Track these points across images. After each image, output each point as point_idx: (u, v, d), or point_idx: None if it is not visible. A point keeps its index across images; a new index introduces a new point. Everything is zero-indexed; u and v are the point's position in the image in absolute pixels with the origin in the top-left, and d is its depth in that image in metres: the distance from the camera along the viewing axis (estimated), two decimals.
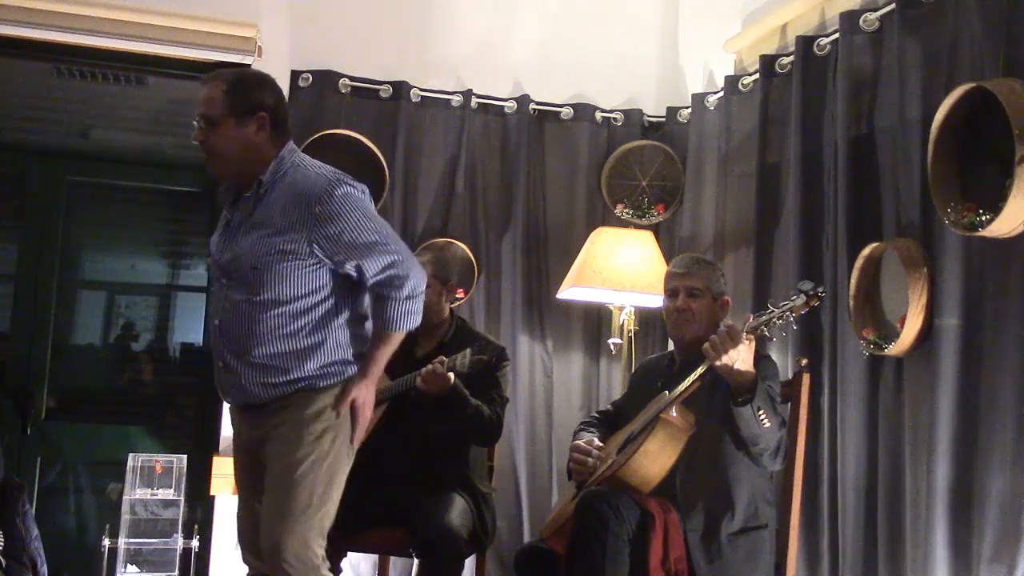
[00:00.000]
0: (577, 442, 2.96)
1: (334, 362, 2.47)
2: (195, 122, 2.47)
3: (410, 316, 2.48)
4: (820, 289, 2.56)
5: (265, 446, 2.48)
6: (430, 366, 3.05)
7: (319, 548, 2.42)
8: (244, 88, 2.46)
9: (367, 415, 2.52)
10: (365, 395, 2.50)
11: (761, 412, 2.54)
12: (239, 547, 2.66)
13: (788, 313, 2.56)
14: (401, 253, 2.46)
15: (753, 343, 2.57)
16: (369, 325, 2.56)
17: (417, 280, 2.47)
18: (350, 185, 2.44)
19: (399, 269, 2.44)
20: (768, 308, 2.61)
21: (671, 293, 2.92)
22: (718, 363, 2.55)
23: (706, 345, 2.59)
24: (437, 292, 3.30)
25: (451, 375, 3.04)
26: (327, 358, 2.45)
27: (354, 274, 2.45)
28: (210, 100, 2.43)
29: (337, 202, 2.39)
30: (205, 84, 2.47)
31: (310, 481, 2.40)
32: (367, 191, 2.50)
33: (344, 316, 2.49)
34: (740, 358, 2.55)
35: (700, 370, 2.66)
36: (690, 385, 2.67)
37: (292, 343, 2.42)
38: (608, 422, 3.08)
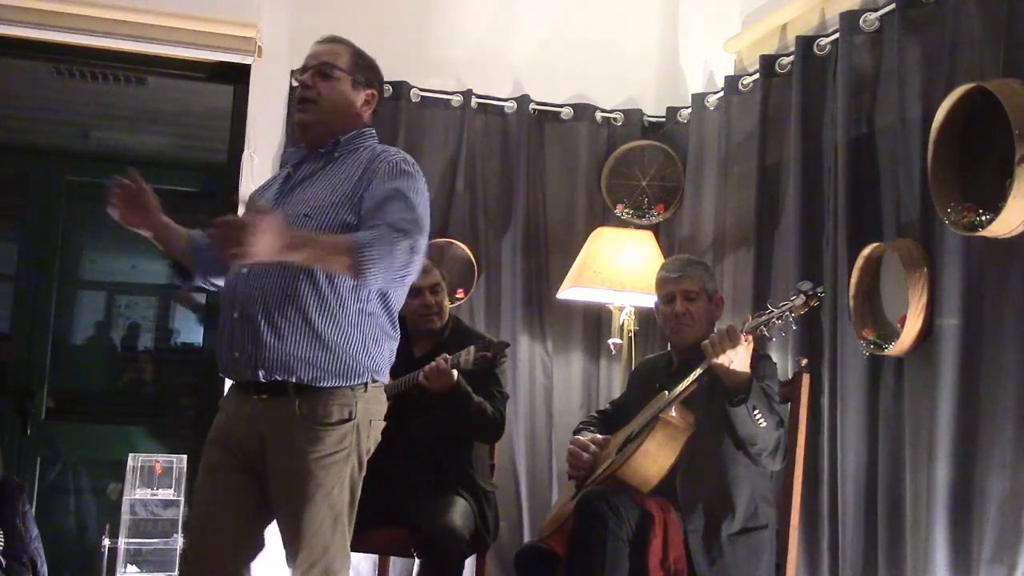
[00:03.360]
0: (576, 437, 2.95)
1: (351, 358, 2.28)
2: (295, 73, 2.43)
3: (375, 263, 2.16)
4: (819, 289, 2.57)
5: (269, 466, 2.27)
6: (433, 363, 3.05)
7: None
8: (367, 61, 2.52)
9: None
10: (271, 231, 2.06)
11: (756, 412, 2.56)
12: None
13: (787, 313, 2.57)
14: (420, 241, 2.25)
15: (751, 345, 2.59)
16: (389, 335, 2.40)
17: (410, 272, 2.25)
18: (420, 175, 2.39)
19: (412, 240, 2.22)
20: (767, 308, 2.61)
21: (667, 298, 2.91)
22: (715, 361, 2.56)
23: (705, 342, 2.61)
24: (448, 293, 3.37)
25: (455, 372, 3.04)
26: (350, 340, 2.28)
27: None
28: (335, 54, 2.45)
29: (415, 174, 2.34)
30: (327, 41, 2.50)
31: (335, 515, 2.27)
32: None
33: (378, 307, 2.34)
34: (737, 359, 2.56)
35: (699, 370, 2.66)
36: (689, 385, 2.68)
37: (322, 311, 2.25)
38: (607, 421, 3.08)
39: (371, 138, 2.49)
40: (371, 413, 2.35)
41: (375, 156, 2.38)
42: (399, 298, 2.41)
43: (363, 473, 2.34)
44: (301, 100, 2.44)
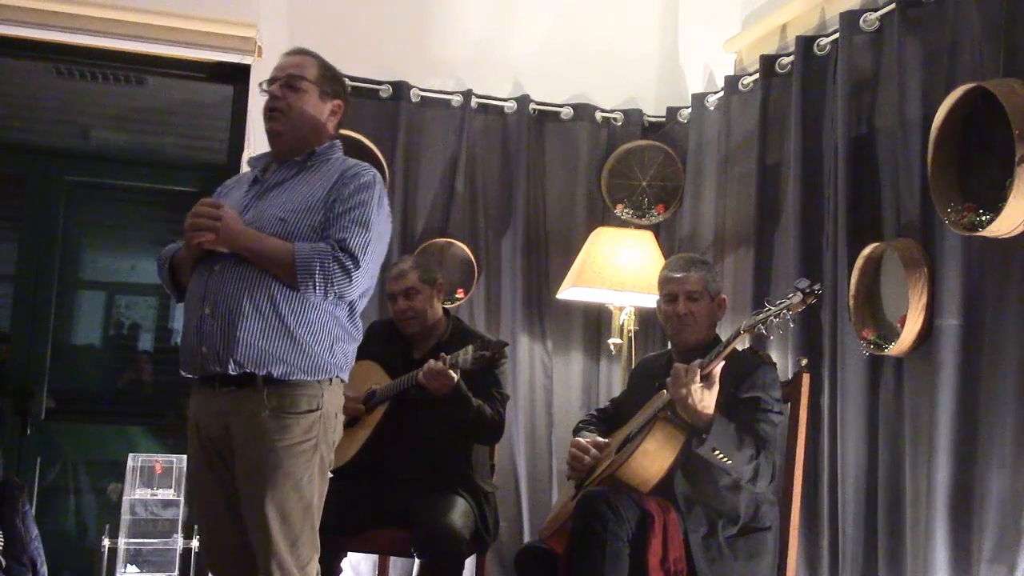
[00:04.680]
0: (577, 439, 2.95)
1: (318, 356, 2.35)
2: (263, 85, 2.51)
3: (310, 277, 2.28)
4: (816, 287, 2.55)
5: (239, 456, 2.32)
6: (432, 362, 3.04)
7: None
8: (333, 74, 2.59)
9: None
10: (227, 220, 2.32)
11: (717, 452, 2.54)
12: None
13: (785, 311, 2.55)
14: (366, 271, 2.35)
15: (716, 387, 2.56)
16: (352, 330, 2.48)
17: (344, 290, 2.33)
18: (383, 190, 2.49)
19: (354, 271, 2.32)
20: (764, 306, 2.60)
21: (669, 297, 2.90)
22: (675, 397, 2.56)
23: (668, 380, 2.60)
24: (428, 296, 3.29)
25: (454, 375, 3.03)
26: (318, 339, 2.35)
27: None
28: (303, 65, 2.51)
29: (369, 185, 2.42)
30: (294, 53, 2.56)
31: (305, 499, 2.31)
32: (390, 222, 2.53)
33: (343, 311, 2.42)
34: (697, 398, 2.53)
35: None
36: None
37: (294, 308, 2.32)
38: (607, 420, 3.07)
39: (339, 150, 2.58)
40: (335, 406, 2.42)
41: (347, 168, 2.47)
42: (361, 304, 2.48)
43: (329, 465, 2.40)
44: (271, 110, 2.49)
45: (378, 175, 2.49)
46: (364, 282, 2.37)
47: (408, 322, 3.30)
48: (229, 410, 2.33)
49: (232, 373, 2.30)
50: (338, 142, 2.59)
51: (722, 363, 2.58)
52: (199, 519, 2.52)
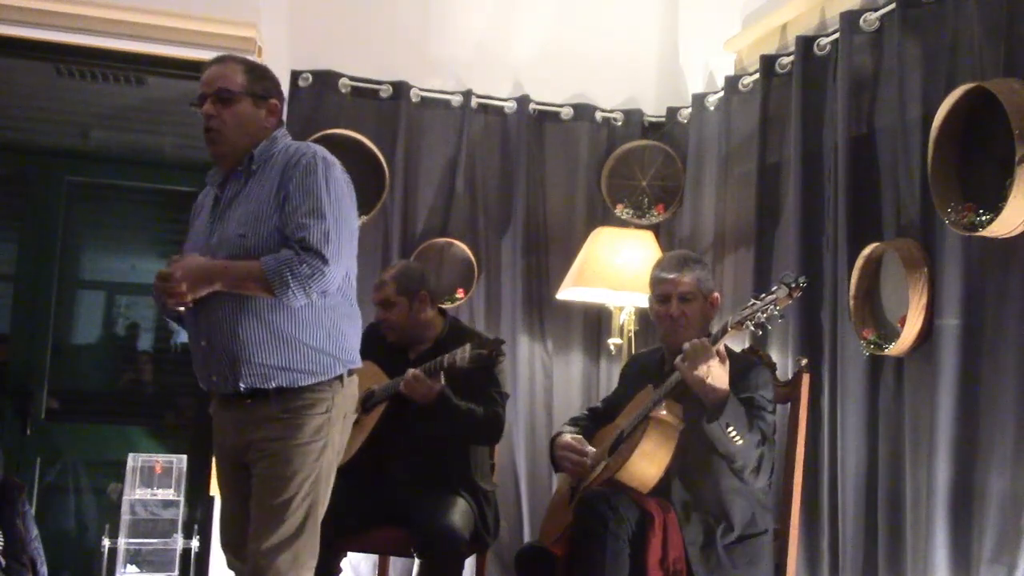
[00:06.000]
0: (567, 439, 2.91)
1: (321, 351, 2.37)
2: (193, 103, 2.44)
3: (286, 287, 2.26)
4: (801, 279, 2.51)
5: (252, 456, 2.38)
6: (410, 371, 3.05)
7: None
8: (261, 73, 2.50)
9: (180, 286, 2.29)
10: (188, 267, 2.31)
11: (731, 429, 2.51)
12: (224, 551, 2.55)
13: (771, 306, 2.52)
14: (337, 259, 2.31)
15: (727, 360, 2.55)
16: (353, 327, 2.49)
17: (324, 286, 2.31)
18: (338, 168, 2.42)
19: (324, 266, 2.28)
20: (751, 302, 2.58)
21: (662, 298, 2.84)
22: (690, 376, 2.53)
23: (677, 360, 2.58)
24: (405, 307, 3.24)
25: (436, 384, 3.03)
26: (320, 336, 2.37)
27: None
28: (226, 77, 2.42)
29: (310, 168, 2.35)
30: (215, 63, 2.46)
31: (304, 498, 2.34)
32: (352, 187, 2.47)
33: (338, 298, 2.42)
34: (712, 374, 2.51)
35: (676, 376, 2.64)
36: (673, 388, 2.65)
37: (284, 316, 2.34)
38: (599, 419, 3.03)
39: (283, 139, 2.51)
40: (346, 407, 2.44)
41: (288, 158, 2.40)
42: (354, 282, 2.49)
43: (334, 470, 2.43)
44: (207, 131, 2.43)
45: (319, 152, 2.41)
46: (339, 269, 2.34)
47: (386, 332, 3.30)
48: (245, 419, 2.39)
49: (243, 391, 2.36)
50: (279, 132, 2.50)
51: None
52: (222, 509, 2.58)
